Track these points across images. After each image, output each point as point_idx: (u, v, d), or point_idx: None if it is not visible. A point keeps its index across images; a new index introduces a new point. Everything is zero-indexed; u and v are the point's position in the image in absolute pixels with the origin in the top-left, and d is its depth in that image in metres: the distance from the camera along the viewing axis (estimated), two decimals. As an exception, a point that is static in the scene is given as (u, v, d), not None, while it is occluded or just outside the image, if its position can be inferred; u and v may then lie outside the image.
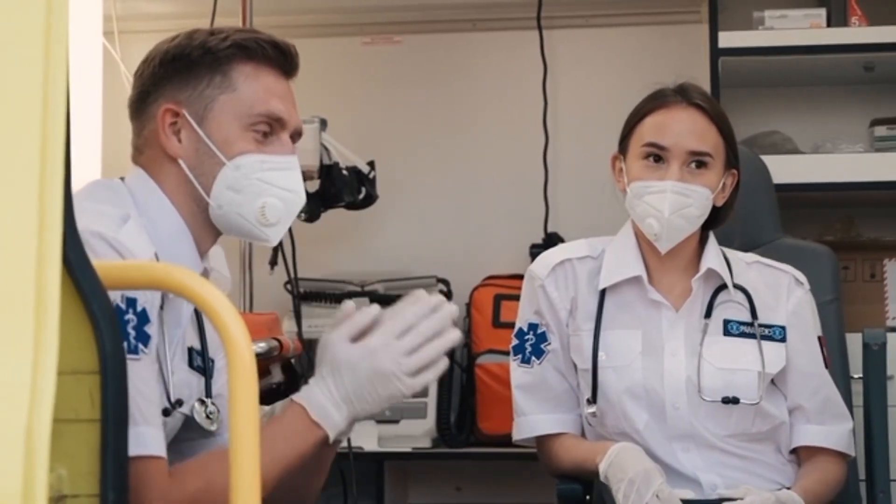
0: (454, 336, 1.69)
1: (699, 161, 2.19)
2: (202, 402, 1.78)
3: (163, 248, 1.71)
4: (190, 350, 1.77)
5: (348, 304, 1.69)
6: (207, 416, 1.78)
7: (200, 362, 1.79)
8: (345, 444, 3.11)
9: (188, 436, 1.85)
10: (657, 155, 2.19)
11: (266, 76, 1.76)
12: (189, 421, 1.80)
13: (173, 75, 1.75)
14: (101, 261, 1.33)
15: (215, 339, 1.77)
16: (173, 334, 1.73)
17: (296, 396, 1.68)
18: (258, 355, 2.51)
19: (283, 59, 1.78)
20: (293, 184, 1.76)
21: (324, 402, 1.65)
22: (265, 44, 1.76)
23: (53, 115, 1.01)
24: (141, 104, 1.78)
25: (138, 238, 1.66)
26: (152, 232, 1.71)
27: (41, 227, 0.99)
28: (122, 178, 1.79)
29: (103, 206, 1.66)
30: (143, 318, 1.59)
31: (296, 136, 1.80)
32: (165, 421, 1.73)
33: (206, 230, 1.77)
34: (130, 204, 1.73)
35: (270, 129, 1.75)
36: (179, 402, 1.72)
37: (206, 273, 1.80)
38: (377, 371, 1.64)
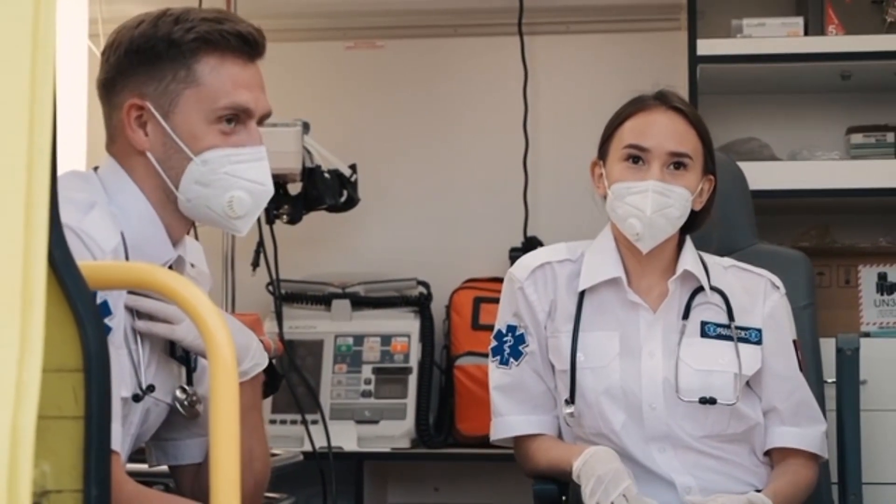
0: None
1: (679, 162, 2.22)
2: (183, 389, 1.80)
3: (133, 236, 1.72)
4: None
5: None
6: (190, 403, 1.80)
7: (182, 351, 1.81)
8: (325, 444, 3.16)
9: (172, 435, 1.87)
10: (637, 156, 2.22)
11: (231, 66, 1.75)
12: (173, 416, 1.83)
13: (138, 67, 1.74)
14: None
15: None
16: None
17: None
18: (239, 356, 2.52)
19: (247, 47, 1.77)
20: (261, 176, 1.76)
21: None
22: (229, 35, 1.74)
23: (40, 114, 1.02)
24: (108, 91, 1.79)
25: (104, 226, 1.68)
26: (122, 220, 1.72)
27: (27, 225, 1.00)
28: (96, 168, 1.80)
29: (71, 194, 1.65)
30: (104, 309, 1.60)
31: (265, 117, 1.80)
32: (148, 408, 1.75)
33: (178, 218, 1.78)
34: (101, 192, 1.74)
35: (237, 118, 1.75)
36: (151, 388, 1.74)
37: (180, 261, 1.81)
38: None
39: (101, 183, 1.76)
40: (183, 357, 1.81)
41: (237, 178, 1.74)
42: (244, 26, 1.77)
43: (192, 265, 1.87)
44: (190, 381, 1.82)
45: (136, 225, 1.73)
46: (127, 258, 1.71)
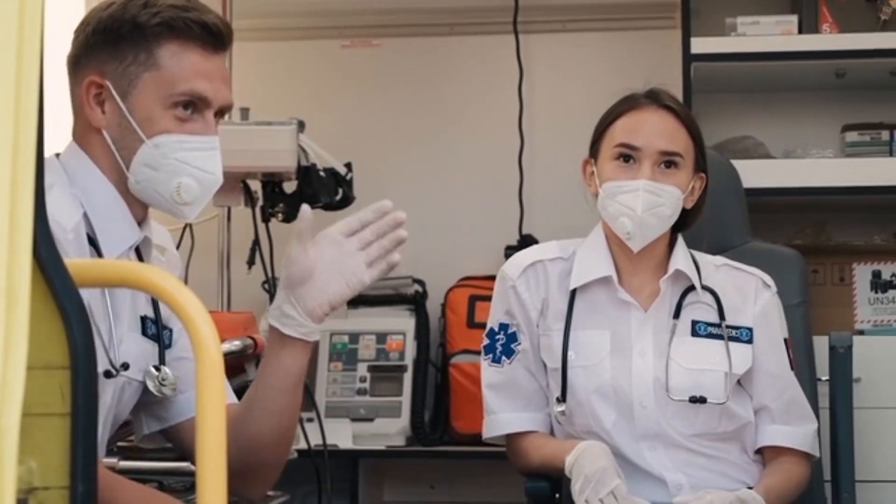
0: (401, 234, 1.88)
1: (670, 161, 2.23)
2: (157, 368, 1.81)
3: (98, 217, 1.75)
4: (143, 318, 1.82)
5: (307, 211, 1.77)
6: (161, 383, 1.81)
7: (155, 330, 1.83)
8: (320, 441, 3.17)
9: (156, 398, 1.88)
10: (628, 155, 2.23)
11: (192, 54, 1.77)
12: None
13: (102, 46, 1.77)
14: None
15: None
16: (120, 301, 1.77)
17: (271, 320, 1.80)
18: (233, 353, 2.53)
19: (211, 38, 1.78)
20: (211, 165, 1.78)
21: (293, 315, 1.81)
22: (192, 23, 1.77)
23: (25, 111, 1.03)
24: (74, 66, 1.81)
25: (63, 205, 1.70)
26: (87, 202, 1.75)
27: (12, 222, 1.01)
28: (58, 154, 1.82)
29: None
30: None
31: (225, 109, 1.82)
32: (122, 387, 1.77)
33: (136, 198, 1.80)
34: (61, 175, 1.76)
35: (195, 107, 1.77)
36: (126, 366, 1.76)
37: (147, 242, 1.83)
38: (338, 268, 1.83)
39: (62, 167, 1.78)
40: (155, 335, 1.83)
41: (186, 164, 1.76)
42: (210, 17, 1.79)
43: (165, 249, 1.90)
44: (163, 361, 1.83)
45: (100, 206, 1.76)
46: (92, 240, 1.74)
